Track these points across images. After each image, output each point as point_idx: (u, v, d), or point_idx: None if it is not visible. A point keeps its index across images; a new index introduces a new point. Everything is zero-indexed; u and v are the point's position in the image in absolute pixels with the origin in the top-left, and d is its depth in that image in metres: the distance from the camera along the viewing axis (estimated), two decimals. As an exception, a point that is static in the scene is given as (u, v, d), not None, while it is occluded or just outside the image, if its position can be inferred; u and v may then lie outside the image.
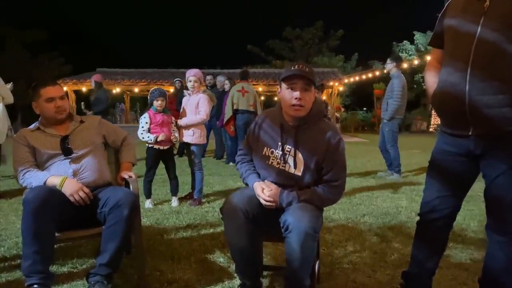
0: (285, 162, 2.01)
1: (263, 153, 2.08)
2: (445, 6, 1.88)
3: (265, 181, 2.05)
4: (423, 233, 2.04)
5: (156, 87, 4.60)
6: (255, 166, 2.16)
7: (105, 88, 8.08)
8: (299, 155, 1.99)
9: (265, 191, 1.97)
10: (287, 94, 1.96)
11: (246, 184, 2.16)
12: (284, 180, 2.02)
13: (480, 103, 1.64)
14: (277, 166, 2.03)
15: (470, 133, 1.73)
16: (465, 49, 1.68)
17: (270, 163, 2.05)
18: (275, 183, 2.03)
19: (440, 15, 1.89)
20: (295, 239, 1.77)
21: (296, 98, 1.92)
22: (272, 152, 2.05)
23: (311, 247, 1.81)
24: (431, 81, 1.93)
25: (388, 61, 6.16)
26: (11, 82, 6.34)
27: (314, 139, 1.99)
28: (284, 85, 1.98)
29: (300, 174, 1.99)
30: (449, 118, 1.84)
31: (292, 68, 1.94)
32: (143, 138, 4.12)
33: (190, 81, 4.33)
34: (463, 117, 1.71)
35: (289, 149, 2.01)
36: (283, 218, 1.85)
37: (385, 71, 6.26)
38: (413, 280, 2.08)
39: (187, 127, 4.28)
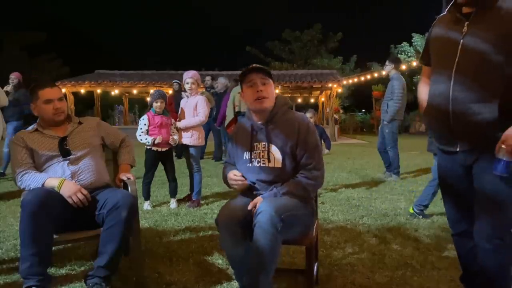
0: (262, 158, 2.09)
1: (244, 158, 2.16)
2: (431, 26, 1.98)
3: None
4: (458, 249, 2.12)
5: (154, 88, 4.61)
6: (240, 171, 2.21)
7: (26, 90, 6.52)
8: (273, 148, 2.08)
9: (251, 205, 1.99)
10: (249, 92, 2.10)
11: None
12: (268, 177, 2.08)
13: (462, 123, 1.75)
14: (257, 165, 2.10)
15: (457, 149, 1.84)
16: (447, 70, 1.78)
17: (251, 164, 2.12)
18: (261, 181, 2.09)
19: (427, 34, 2.00)
20: (261, 221, 1.80)
21: (258, 91, 2.05)
22: (250, 154, 2.13)
23: (274, 233, 1.78)
24: (422, 98, 2.04)
25: (387, 62, 6.15)
26: (11, 85, 6.31)
27: (285, 130, 2.08)
28: (244, 87, 2.13)
29: (280, 166, 2.07)
30: (438, 136, 1.96)
31: (246, 68, 2.12)
32: (141, 140, 4.12)
33: (188, 83, 4.34)
34: (449, 134, 1.83)
35: (264, 146, 2.10)
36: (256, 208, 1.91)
37: (384, 72, 6.23)
38: (471, 279, 2.09)
39: (186, 129, 4.28)
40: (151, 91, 4.32)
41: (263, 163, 2.09)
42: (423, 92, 2.03)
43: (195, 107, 4.30)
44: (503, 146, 1.64)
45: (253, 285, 1.80)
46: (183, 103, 4.48)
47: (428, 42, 2.01)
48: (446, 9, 1.89)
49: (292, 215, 1.90)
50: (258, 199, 2.01)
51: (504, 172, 1.65)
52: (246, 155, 2.15)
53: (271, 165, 2.08)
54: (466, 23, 1.75)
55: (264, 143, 2.10)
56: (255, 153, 2.12)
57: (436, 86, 1.87)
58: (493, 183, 1.73)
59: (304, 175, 2.06)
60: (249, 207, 1.99)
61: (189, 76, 4.34)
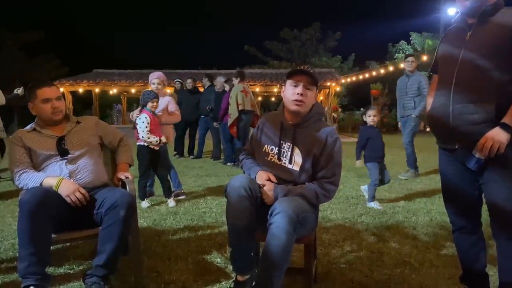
0: (284, 158, 2.12)
1: (263, 150, 2.20)
2: (442, 36, 2.12)
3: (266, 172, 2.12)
4: (459, 247, 2.14)
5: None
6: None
7: None
8: (297, 151, 2.10)
9: (262, 182, 2.05)
10: (290, 90, 2.11)
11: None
12: (282, 175, 2.11)
13: (461, 121, 1.87)
14: (277, 162, 2.14)
15: (456, 147, 1.94)
16: (449, 74, 1.93)
17: (269, 159, 2.17)
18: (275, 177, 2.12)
19: (438, 44, 2.13)
20: (279, 221, 1.80)
21: (298, 93, 2.06)
22: (272, 149, 2.17)
23: (292, 233, 1.81)
24: (429, 103, 2.15)
25: (412, 59, 6.18)
26: (22, 87, 6.31)
27: (312, 137, 2.10)
28: (288, 82, 2.13)
29: (297, 169, 2.10)
30: (439, 135, 2.06)
31: (298, 68, 2.14)
32: (148, 138, 4.06)
33: (154, 84, 4.46)
34: (449, 133, 1.94)
35: (288, 146, 2.12)
36: (272, 207, 1.91)
37: (409, 68, 6.16)
38: (471, 278, 2.12)
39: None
40: (144, 90, 4.33)
41: (283, 163, 2.12)
42: (430, 102, 2.13)
43: (166, 107, 4.46)
44: (479, 144, 1.79)
45: (267, 283, 1.82)
46: None
47: (436, 54, 2.13)
48: (453, 20, 2.04)
49: (305, 216, 1.93)
50: (269, 184, 2.04)
51: (473, 167, 1.84)
52: (267, 149, 2.19)
53: (289, 166, 2.11)
54: (468, 33, 1.90)
55: (289, 144, 2.12)
56: (277, 149, 2.15)
57: (441, 89, 2.00)
58: (502, 192, 1.82)
59: (320, 185, 2.08)
60: (259, 182, 2.05)
61: (155, 77, 4.46)
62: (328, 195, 2.10)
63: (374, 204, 4.16)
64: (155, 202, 4.47)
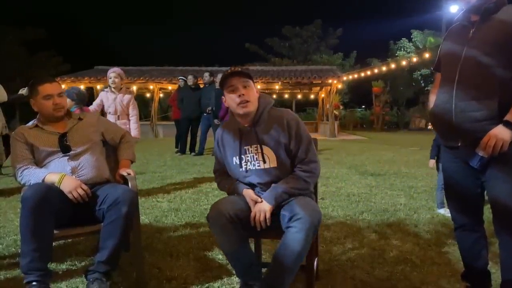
0: (256, 161, 2.07)
1: (234, 163, 2.13)
2: (445, 34, 2.12)
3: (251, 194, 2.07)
4: (461, 244, 2.15)
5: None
6: (233, 176, 2.20)
7: None
8: (267, 149, 2.05)
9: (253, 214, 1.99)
10: (231, 98, 2.05)
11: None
12: (265, 178, 2.07)
13: (464, 118, 1.86)
14: (252, 168, 2.07)
15: (459, 144, 1.93)
16: (452, 72, 1.93)
17: (244, 169, 2.09)
18: (259, 184, 2.08)
19: (442, 42, 2.13)
20: (299, 226, 1.79)
21: (239, 96, 2.01)
22: (241, 159, 2.10)
23: (310, 240, 1.83)
24: (431, 101, 2.13)
25: None
26: (26, 87, 6.35)
27: (274, 128, 2.06)
28: (225, 92, 2.08)
29: (276, 165, 2.05)
30: (442, 132, 2.05)
31: (225, 73, 2.07)
32: None
33: (111, 78, 4.42)
34: (452, 131, 1.93)
35: (255, 148, 2.06)
36: (289, 209, 1.89)
37: None
38: (473, 276, 2.13)
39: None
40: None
41: (258, 166, 2.06)
42: (432, 100, 2.11)
43: (127, 105, 4.44)
44: (483, 142, 1.79)
45: (278, 285, 1.84)
46: (110, 99, 4.51)
47: (439, 52, 2.12)
48: (456, 18, 2.04)
49: (319, 218, 1.93)
50: (258, 204, 2.00)
51: (477, 165, 1.84)
52: (236, 160, 2.11)
53: (266, 166, 2.05)
54: (471, 30, 1.91)
55: (256, 145, 2.06)
56: (247, 156, 2.08)
57: (443, 86, 1.99)
58: (504, 189, 1.82)
59: (302, 168, 2.04)
60: (252, 215, 1.99)
61: (112, 71, 4.43)
62: (313, 174, 2.06)
63: (444, 211, 3.72)
64: (156, 199, 4.47)
